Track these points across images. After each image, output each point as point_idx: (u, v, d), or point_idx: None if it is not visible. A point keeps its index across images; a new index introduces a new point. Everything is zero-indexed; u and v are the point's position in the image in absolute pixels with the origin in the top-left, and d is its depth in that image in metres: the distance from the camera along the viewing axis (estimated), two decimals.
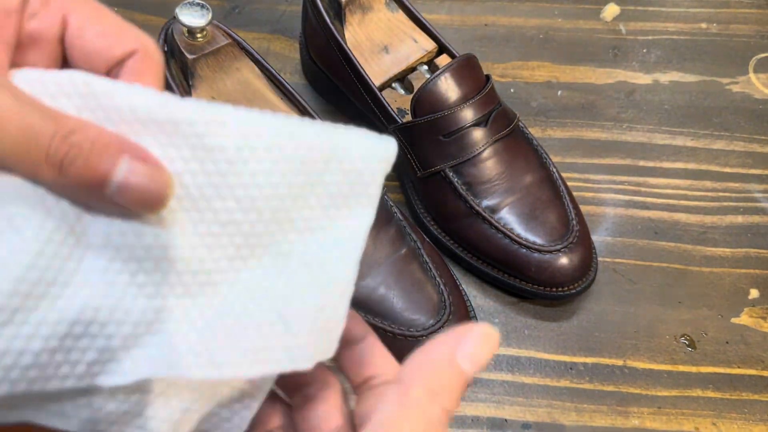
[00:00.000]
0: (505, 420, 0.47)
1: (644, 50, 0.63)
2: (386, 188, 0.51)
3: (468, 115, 0.50)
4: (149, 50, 0.25)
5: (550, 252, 0.48)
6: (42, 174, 0.21)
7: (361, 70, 0.53)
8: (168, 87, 0.50)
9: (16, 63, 0.24)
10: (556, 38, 0.64)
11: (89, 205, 0.23)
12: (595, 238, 0.53)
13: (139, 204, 0.22)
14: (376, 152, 0.25)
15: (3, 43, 0.23)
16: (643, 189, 0.56)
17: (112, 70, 0.25)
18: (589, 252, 0.50)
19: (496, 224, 0.49)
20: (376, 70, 0.55)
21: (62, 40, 0.25)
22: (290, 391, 0.29)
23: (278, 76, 0.51)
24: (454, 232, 0.51)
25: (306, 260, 0.25)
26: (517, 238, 0.49)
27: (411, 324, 0.45)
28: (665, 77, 0.62)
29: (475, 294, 0.52)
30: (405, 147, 0.52)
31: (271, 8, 0.65)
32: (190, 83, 0.49)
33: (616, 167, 0.57)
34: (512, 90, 0.61)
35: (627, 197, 0.56)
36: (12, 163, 0.21)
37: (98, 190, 0.22)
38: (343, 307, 0.24)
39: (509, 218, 0.50)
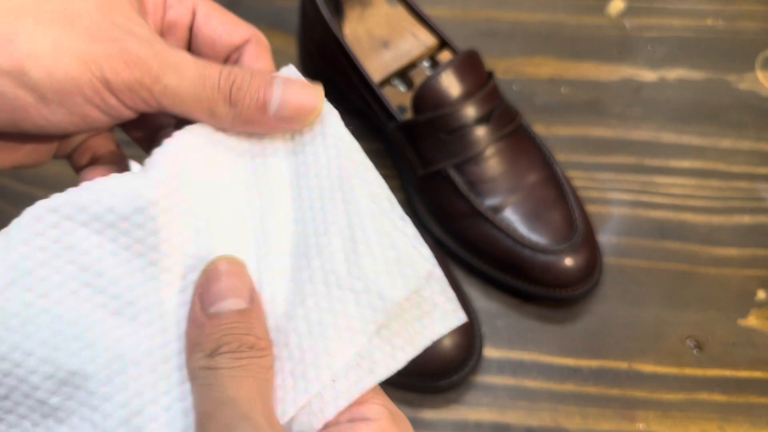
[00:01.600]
0: (509, 425, 0.46)
1: (649, 47, 0.62)
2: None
3: (470, 112, 0.49)
4: (261, 38, 0.29)
5: (554, 253, 0.48)
6: (217, 107, 0.25)
7: (361, 67, 0.52)
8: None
9: None
10: (560, 34, 0.63)
11: (254, 135, 0.26)
12: (600, 238, 0.52)
13: (297, 115, 0.26)
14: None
15: (154, 25, 0.28)
16: (649, 188, 0.56)
17: (230, 56, 0.29)
18: (594, 253, 0.49)
19: (499, 224, 0.49)
20: (376, 66, 0.54)
21: (190, 28, 0.29)
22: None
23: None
24: (455, 232, 0.51)
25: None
26: (520, 239, 0.48)
27: None
28: (671, 74, 0.61)
29: (477, 296, 0.51)
30: (406, 145, 0.51)
31: (268, 3, 0.65)
32: None
33: (621, 166, 0.56)
34: (515, 87, 0.60)
35: (633, 197, 0.55)
36: (192, 102, 0.25)
37: (263, 110, 0.25)
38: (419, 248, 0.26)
39: (512, 218, 0.49)
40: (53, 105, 0.23)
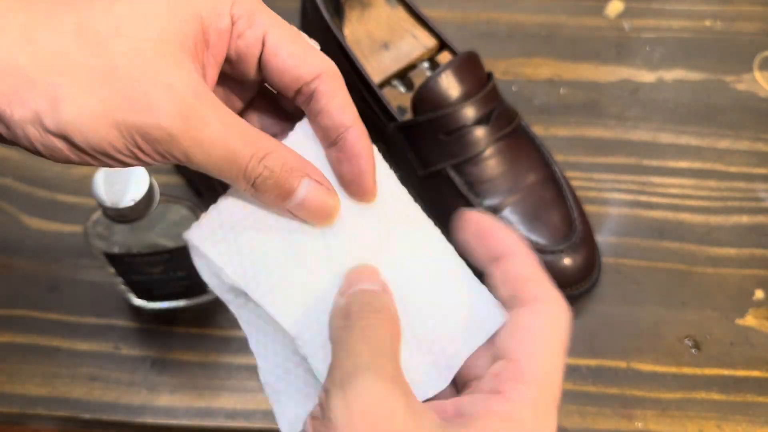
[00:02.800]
0: None
1: (648, 48, 0.63)
2: None
3: (470, 113, 0.49)
4: (333, 71, 0.28)
5: (553, 252, 0.48)
6: (240, 186, 0.26)
7: (361, 67, 0.52)
8: None
9: (220, 78, 0.28)
10: (559, 35, 0.63)
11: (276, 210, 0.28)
12: (598, 238, 0.53)
13: (310, 218, 0.28)
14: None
15: (214, 63, 0.27)
16: (647, 188, 0.56)
17: (301, 91, 0.28)
18: (592, 252, 0.49)
19: None
20: (376, 67, 0.54)
21: (260, 58, 0.28)
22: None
23: None
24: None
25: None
26: None
27: None
28: (669, 75, 0.61)
29: None
30: (405, 146, 0.51)
31: (268, 3, 0.64)
32: None
33: (620, 166, 0.57)
34: (514, 88, 0.60)
35: (631, 197, 0.55)
36: (216, 174, 0.26)
37: (281, 202, 0.27)
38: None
39: (511, 218, 0.49)
40: (99, 156, 0.25)
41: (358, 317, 0.25)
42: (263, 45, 0.27)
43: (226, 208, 0.28)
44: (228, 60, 0.28)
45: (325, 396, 0.23)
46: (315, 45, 0.29)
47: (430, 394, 0.27)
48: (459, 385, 0.28)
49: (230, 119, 0.25)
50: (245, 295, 0.28)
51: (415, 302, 0.28)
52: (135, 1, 0.25)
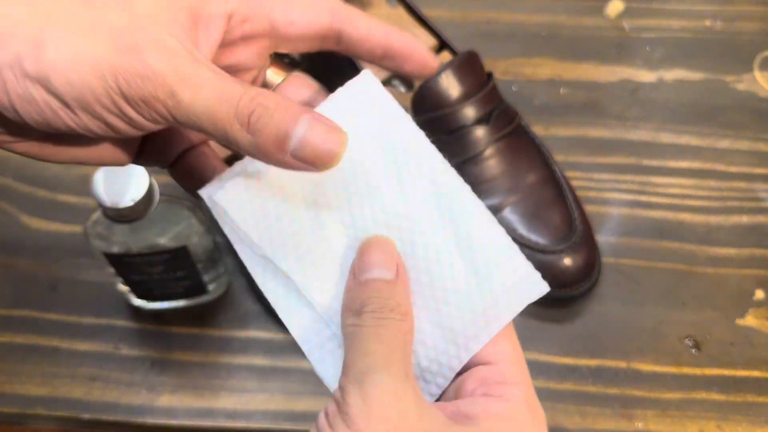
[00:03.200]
0: None
1: (648, 48, 0.63)
2: None
3: (470, 113, 0.49)
4: (341, 4, 0.28)
5: (554, 252, 0.48)
6: (233, 131, 0.24)
7: (361, 67, 0.52)
8: None
9: (228, 59, 0.28)
10: (559, 35, 0.63)
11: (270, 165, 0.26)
12: (598, 238, 0.53)
13: (315, 159, 0.25)
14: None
15: (206, 44, 0.26)
16: (647, 188, 0.56)
17: (327, 36, 0.28)
18: (592, 252, 0.49)
19: None
20: (376, 66, 0.54)
21: (270, 34, 0.28)
22: None
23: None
24: None
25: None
26: (519, 239, 0.48)
27: None
28: (670, 75, 0.61)
29: None
30: None
31: None
32: None
33: (620, 166, 0.57)
34: (515, 88, 0.60)
35: (631, 197, 0.55)
36: (207, 122, 0.24)
37: (281, 145, 0.24)
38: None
39: (512, 218, 0.49)
40: (77, 110, 0.24)
41: (372, 317, 0.25)
42: (273, 25, 0.28)
43: (248, 168, 0.27)
44: (235, 43, 0.28)
45: (341, 392, 0.24)
46: None
47: (448, 378, 0.27)
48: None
49: (220, 70, 0.25)
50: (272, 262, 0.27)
51: (435, 279, 0.27)
52: None
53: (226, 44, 0.27)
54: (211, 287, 0.50)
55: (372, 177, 0.28)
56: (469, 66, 0.50)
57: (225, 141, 0.25)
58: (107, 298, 0.51)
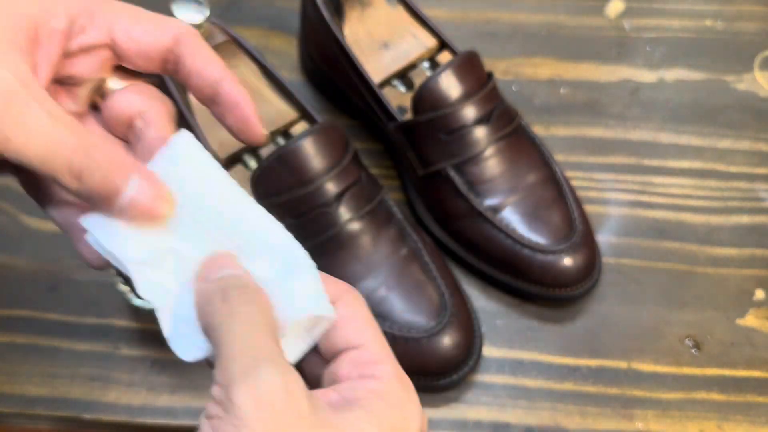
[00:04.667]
0: (508, 424, 0.46)
1: (648, 47, 0.63)
2: (387, 188, 0.50)
3: (470, 113, 0.49)
4: (190, 32, 0.28)
5: (554, 252, 0.48)
6: (64, 179, 0.25)
7: (361, 67, 0.52)
8: (164, 86, 0.49)
9: (67, 70, 0.28)
10: (559, 35, 0.63)
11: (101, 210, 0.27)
12: (599, 238, 0.53)
13: (142, 216, 0.26)
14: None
15: (46, 61, 0.27)
16: (647, 188, 0.56)
17: (168, 59, 0.28)
18: (593, 252, 0.49)
19: (498, 224, 0.49)
20: (376, 66, 0.54)
21: (111, 46, 0.28)
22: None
23: (276, 74, 0.51)
24: (455, 233, 0.51)
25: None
26: (519, 239, 0.48)
27: (411, 326, 0.45)
28: (670, 75, 0.61)
29: (476, 295, 0.51)
30: (405, 145, 0.51)
31: (269, 3, 0.65)
32: None
33: (620, 166, 0.57)
34: (515, 87, 0.60)
35: (632, 197, 0.55)
36: (38, 166, 0.24)
37: (110, 201, 0.26)
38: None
39: (512, 218, 0.49)
40: None
41: (240, 303, 0.25)
42: (113, 35, 0.28)
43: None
44: (72, 55, 0.28)
45: (223, 392, 0.24)
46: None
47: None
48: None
49: (57, 111, 0.25)
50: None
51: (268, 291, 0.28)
52: None
53: (65, 55, 0.28)
54: None
55: (197, 213, 0.29)
56: (470, 66, 0.50)
57: (54, 182, 0.26)
58: (107, 298, 0.51)
